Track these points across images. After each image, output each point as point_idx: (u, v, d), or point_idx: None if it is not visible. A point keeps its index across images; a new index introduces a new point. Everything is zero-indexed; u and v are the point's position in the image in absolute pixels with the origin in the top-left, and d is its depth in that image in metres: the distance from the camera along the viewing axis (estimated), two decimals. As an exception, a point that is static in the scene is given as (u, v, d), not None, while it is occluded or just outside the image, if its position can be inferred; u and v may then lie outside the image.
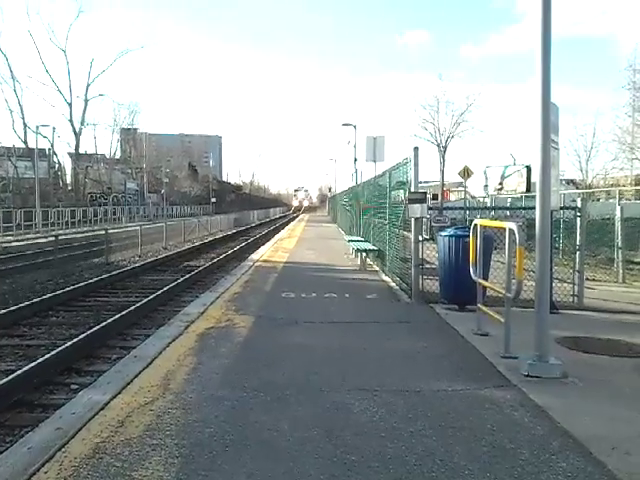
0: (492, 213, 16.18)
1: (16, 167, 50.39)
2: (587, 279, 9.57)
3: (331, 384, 4.53)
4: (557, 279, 8.30)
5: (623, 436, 3.53)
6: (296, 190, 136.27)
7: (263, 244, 22.28)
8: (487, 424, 3.69)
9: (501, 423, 3.71)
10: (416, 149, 8.30)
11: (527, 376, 4.68)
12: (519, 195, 27.98)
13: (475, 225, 6.22)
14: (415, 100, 47.66)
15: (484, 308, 5.97)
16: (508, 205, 19.45)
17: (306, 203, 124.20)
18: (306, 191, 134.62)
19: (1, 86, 55.17)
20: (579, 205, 8.46)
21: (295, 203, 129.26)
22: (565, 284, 8.30)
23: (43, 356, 6.80)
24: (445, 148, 40.85)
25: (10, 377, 5.96)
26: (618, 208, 12.44)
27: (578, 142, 39.63)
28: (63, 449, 3.29)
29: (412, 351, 5.65)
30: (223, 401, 4.10)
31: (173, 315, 8.01)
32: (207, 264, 17.87)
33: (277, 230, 37.78)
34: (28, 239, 26.08)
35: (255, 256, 16.00)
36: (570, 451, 3.30)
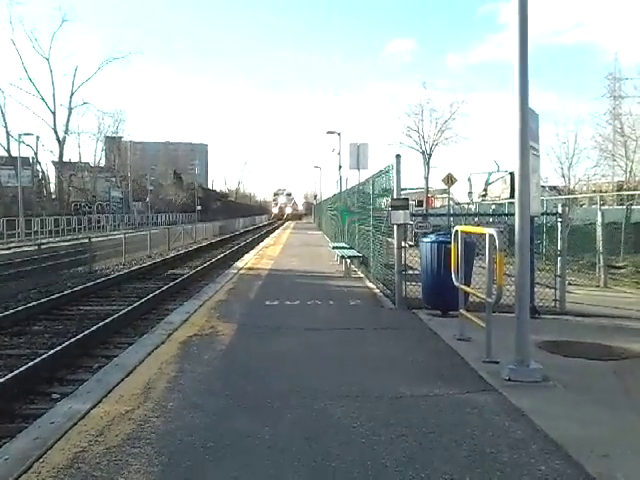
0: (476, 219, 16.32)
1: (-1, 176, 49.93)
2: (569, 284, 9.67)
3: (313, 391, 4.53)
4: (540, 284, 8.38)
5: (602, 439, 3.56)
6: (276, 194, 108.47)
7: (248, 252, 22.23)
8: (467, 429, 3.71)
9: (482, 427, 3.73)
10: (398, 156, 8.35)
11: (508, 380, 4.70)
12: (503, 201, 28.19)
13: (457, 231, 6.26)
14: (400, 108, 47.74)
15: (466, 313, 6.00)
16: (491, 211, 19.60)
17: (289, 210, 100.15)
18: (289, 195, 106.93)
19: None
20: (560, 211, 8.55)
21: (275, 210, 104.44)
22: (547, 289, 8.37)
23: (23, 365, 6.72)
24: (430, 155, 41.06)
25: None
26: (599, 214, 12.57)
27: (560, 149, 40.00)
28: (41, 459, 3.26)
29: (394, 357, 5.66)
30: (204, 409, 4.08)
31: (156, 323, 7.97)
32: (192, 272, 17.80)
33: (262, 237, 37.73)
34: (11, 248, 25.81)
35: (240, 264, 15.97)
36: (549, 454, 3.32)
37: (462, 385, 4.65)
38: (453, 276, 6.20)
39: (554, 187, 39.36)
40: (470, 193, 37.97)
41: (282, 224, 67.92)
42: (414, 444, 3.47)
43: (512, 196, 27.40)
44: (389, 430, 3.69)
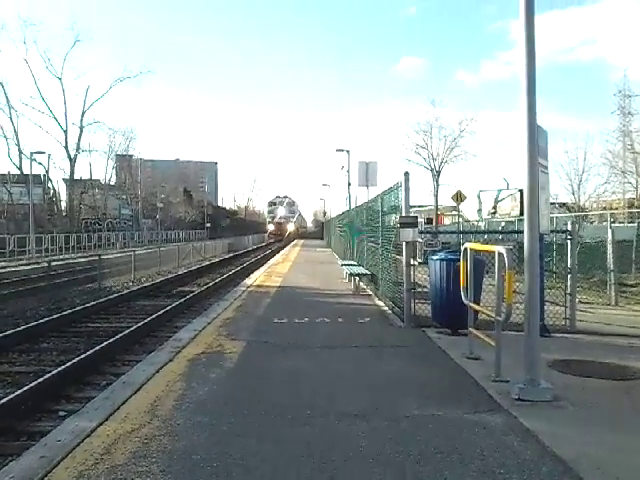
0: (486, 236, 16.27)
1: (11, 193, 50.45)
2: (580, 302, 9.60)
3: (321, 410, 4.49)
4: (550, 302, 8.31)
5: (613, 460, 3.51)
6: (272, 203, 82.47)
7: (257, 269, 22.25)
8: (477, 449, 3.66)
9: (491, 447, 3.68)
10: (406, 174, 8.37)
11: (518, 400, 4.65)
12: (513, 219, 28.13)
13: (465, 249, 6.24)
14: (409, 126, 47.95)
15: (475, 332, 5.95)
16: (501, 229, 19.56)
17: (291, 227, 75.43)
18: (291, 204, 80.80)
19: (-2, 114, 55.58)
20: (570, 228, 8.50)
21: (270, 227, 77.55)
22: (557, 307, 8.30)
23: (31, 383, 6.72)
24: (439, 173, 41.24)
25: (-3, 404, 5.89)
26: (609, 231, 12.51)
27: (570, 166, 39.99)
28: (46, 478, 3.24)
29: (403, 376, 5.62)
30: (211, 427, 4.06)
31: (164, 341, 7.96)
32: (200, 289, 17.80)
33: (271, 255, 37.76)
34: (21, 265, 25.98)
35: (248, 281, 15.97)
36: (559, 476, 3.27)
37: (471, 404, 4.60)
38: (462, 294, 6.17)
39: (564, 204, 39.28)
40: (479, 210, 37.97)
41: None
42: (422, 464, 3.43)
43: (522, 213, 27.36)
44: (397, 449, 3.65)
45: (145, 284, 19.58)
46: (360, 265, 15.14)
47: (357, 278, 13.12)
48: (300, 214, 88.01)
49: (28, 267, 24.00)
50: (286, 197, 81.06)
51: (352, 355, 6.60)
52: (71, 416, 4.57)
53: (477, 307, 6.30)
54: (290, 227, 74.75)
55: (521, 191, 27.94)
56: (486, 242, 11.70)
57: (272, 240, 70.10)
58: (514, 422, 4.18)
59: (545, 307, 7.80)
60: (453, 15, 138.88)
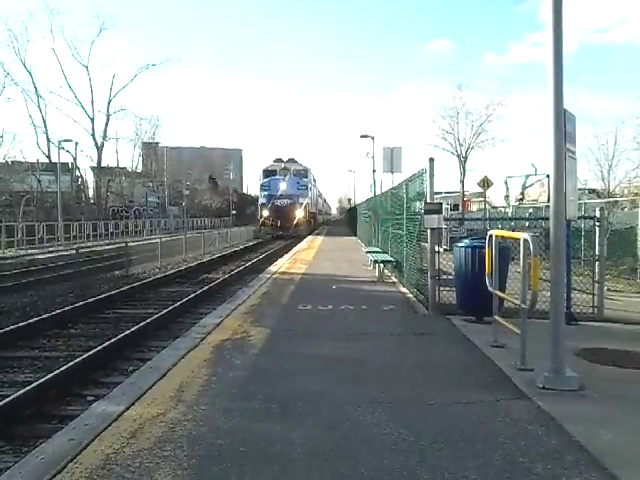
0: (512, 223, 16.07)
1: (39, 181, 51.25)
2: (609, 290, 9.44)
3: (344, 397, 4.51)
4: (577, 290, 8.19)
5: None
6: (269, 172, 44.86)
7: (282, 256, 22.31)
8: (500, 437, 3.64)
9: (515, 436, 3.66)
10: (431, 160, 8.28)
11: (543, 388, 4.61)
12: (540, 205, 27.72)
13: (491, 236, 6.17)
14: (435, 111, 47.39)
15: (500, 319, 5.90)
16: (528, 215, 19.29)
17: (300, 213, 42.18)
18: (300, 174, 45.02)
19: (26, 103, 56.53)
20: (598, 215, 8.36)
21: (265, 213, 42.58)
22: (585, 295, 8.18)
23: (60, 368, 6.86)
24: (465, 158, 40.76)
25: (27, 388, 6.04)
26: (640, 217, 12.27)
27: (599, 151, 39.18)
28: (75, 460, 3.32)
29: (427, 363, 5.60)
30: (235, 413, 4.10)
31: (190, 327, 8.04)
32: (225, 276, 17.94)
33: (296, 242, 37.82)
34: (50, 252, 26.45)
35: (273, 268, 16.04)
36: (584, 465, 3.23)
37: (495, 393, 4.57)
38: (487, 281, 6.11)
39: (593, 190, 38.53)
40: (507, 196, 37.46)
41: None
42: (445, 452, 3.42)
43: (550, 199, 26.94)
44: (420, 437, 3.64)
45: (171, 271, 19.77)
46: (384, 252, 15.09)
47: (381, 265, 13.08)
48: (318, 191, 58.30)
49: (57, 254, 24.41)
50: (292, 160, 45.56)
51: (376, 342, 6.60)
52: (99, 400, 4.66)
53: (502, 294, 6.23)
54: (299, 213, 41.49)
55: (549, 177, 27.53)
56: (513, 229, 11.56)
57: (263, 236, 42.15)
58: (539, 411, 4.15)
59: (573, 295, 7.70)
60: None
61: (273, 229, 42.04)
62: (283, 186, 42.25)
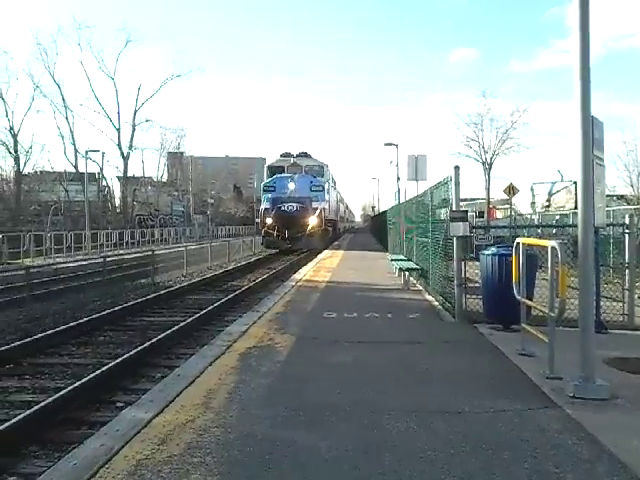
0: (539, 231, 15.89)
1: (67, 191, 52.17)
2: (639, 297, 9.27)
3: (370, 405, 4.50)
4: (607, 297, 8.08)
5: (674, 461, 3.40)
6: (274, 169, 34.04)
7: (306, 264, 22.34)
8: (530, 447, 3.60)
9: (544, 446, 3.62)
10: (457, 167, 8.26)
11: (573, 397, 4.55)
12: (567, 212, 27.39)
13: (518, 244, 6.13)
14: (459, 118, 47.08)
15: (528, 327, 5.84)
16: (555, 222, 19.07)
17: (314, 220, 31.26)
18: (315, 170, 34.10)
19: (54, 114, 57.61)
20: (627, 222, 8.24)
21: (268, 221, 31.89)
22: (615, 303, 8.06)
23: (89, 375, 6.97)
24: (490, 165, 40.40)
25: (58, 395, 6.14)
26: (671, 224, 12.01)
27: (628, 157, 38.61)
28: (106, 465, 3.37)
29: (454, 371, 5.57)
30: (263, 420, 4.13)
31: (216, 334, 8.11)
32: (250, 284, 18.01)
33: (319, 250, 37.78)
34: (78, 260, 26.84)
35: (298, 276, 16.07)
36: (617, 476, 3.19)
37: (524, 401, 4.53)
38: (515, 289, 6.06)
39: (622, 196, 37.91)
40: (533, 203, 37.05)
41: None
42: (473, 461, 3.40)
43: (577, 207, 26.60)
44: (448, 446, 3.63)
45: (197, 278, 19.93)
46: (410, 260, 15.03)
47: (407, 273, 13.03)
48: (339, 195, 49.47)
49: (84, 262, 24.76)
50: (304, 155, 35.46)
51: (402, 350, 6.58)
52: (128, 407, 4.73)
53: (530, 302, 6.17)
54: (312, 221, 31.66)
55: (576, 183, 27.17)
56: (540, 236, 11.43)
57: (264, 250, 35.18)
58: (569, 420, 4.10)
59: (602, 303, 7.58)
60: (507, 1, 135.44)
61: (279, 241, 32.49)
62: (292, 186, 32.02)
